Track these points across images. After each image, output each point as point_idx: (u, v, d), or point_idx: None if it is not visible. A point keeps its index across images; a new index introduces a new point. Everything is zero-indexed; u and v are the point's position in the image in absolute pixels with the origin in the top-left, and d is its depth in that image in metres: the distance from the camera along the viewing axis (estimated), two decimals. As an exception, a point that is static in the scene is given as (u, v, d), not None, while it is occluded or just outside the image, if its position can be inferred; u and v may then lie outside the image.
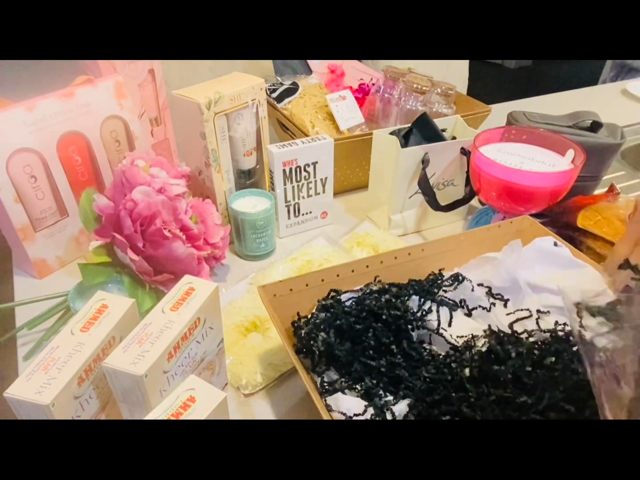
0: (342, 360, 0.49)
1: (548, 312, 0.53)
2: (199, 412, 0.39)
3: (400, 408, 0.45)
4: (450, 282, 0.57)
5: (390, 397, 0.46)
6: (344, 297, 0.54)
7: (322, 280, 0.54)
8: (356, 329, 0.50)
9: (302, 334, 0.51)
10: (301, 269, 0.72)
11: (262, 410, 0.55)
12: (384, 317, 0.51)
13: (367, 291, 0.55)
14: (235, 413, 0.55)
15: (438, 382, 0.46)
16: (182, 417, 0.38)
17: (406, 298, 0.54)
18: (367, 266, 0.56)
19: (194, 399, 0.40)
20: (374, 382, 0.48)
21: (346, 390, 0.47)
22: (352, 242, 0.78)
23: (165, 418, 0.38)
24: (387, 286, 0.56)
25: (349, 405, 0.45)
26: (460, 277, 0.57)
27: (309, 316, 0.53)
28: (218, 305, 0.50)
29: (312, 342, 0.49)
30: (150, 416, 0.38)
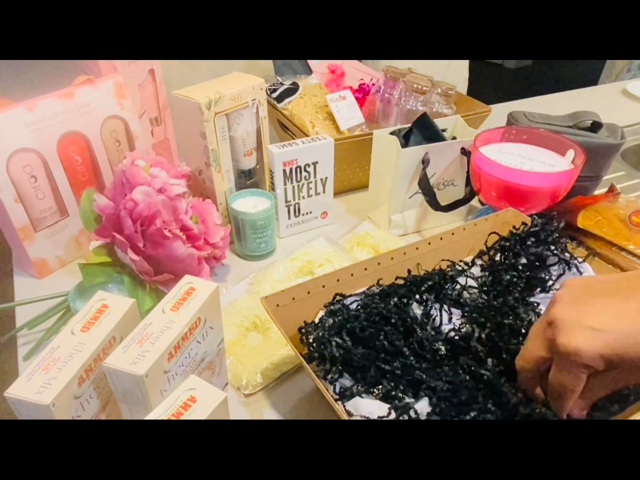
0: (356, 364, 0.48)
1: None
2: (199, 412, 0.39)
3: (422, 406, 0.44)
4: (450, 281, 0.57)
5: (411, 399, 0.45)
6: (347, 301, 0.54)
7: (323, 286, 0.54)
8: (369, 332, 0.49)
9: (312, 340, 0.50)
10: (301, 269, 0.72)
11: (262, 410, 0.55)
12: (392, 320, 0.50)
13: (370, 294, 0.55)
14: (235, 413, 0.55)
15: (460, 383, 0.46)
16: (182, 417, 0.38)
17: (410, 301, 0.54)
18: (366, 269, 0.56)
19: (195, 399, 0.40)
20: (392, 384, 0.47)
21: (363, 394, 0.46)
22: (352, 242, 0.78)
23: (166, 418, 0.38)
24: (387, 288, 0.56)
25: (370, 408, 0.44)
26: (458, 276, 0.57)
27: (317, 322, 0.52)
28: (218, 305, 0.50)
29: (322, 347, 0.48)
30: (151, 416, 0.38)
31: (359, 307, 0.53)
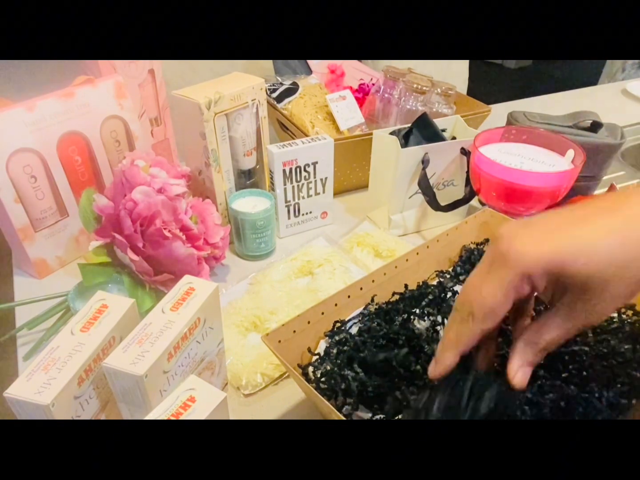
0: (372, 395, 0.46)
1: None
2: (199, 412, 0.39)
3: None
4: (451, 292, 0.57)
5: None
6: (347, 325, 0.53)
7: (322, 313, 0.53)
8: (381, 359, 0.48)
9: (320, 375, 0.48)
10: (301, 269, 0.72)
11: (262, 410, 0.55)
12: (400, 342, 0.49)
13: (368, 314, 0.54)
14: (235, 413, 0.55)
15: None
16: (182, 417, 0.38)
17: (413, 318, 0.53)
18: (361, 288, 0.55)
19: (194, 399, 0.40)
20: None
21: None
22: (352, 242, 0.78)
23: (165, 418, 0.38)
24: (384, 305, 0.55)
25: None
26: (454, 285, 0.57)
27: (322, 354, 0.51)
28: (218, 305, 0.50)
29: (333, 382, 0.47)
30: (150, 416, 0.38)
31: (361, 330, 0.52)
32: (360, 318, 0.54)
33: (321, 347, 0.53)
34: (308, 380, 0.49)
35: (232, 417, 0.45)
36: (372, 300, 0.56)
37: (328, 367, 0.49)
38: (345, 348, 0.50)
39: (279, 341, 0.49)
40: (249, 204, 0.75)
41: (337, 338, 0.52)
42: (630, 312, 0.52)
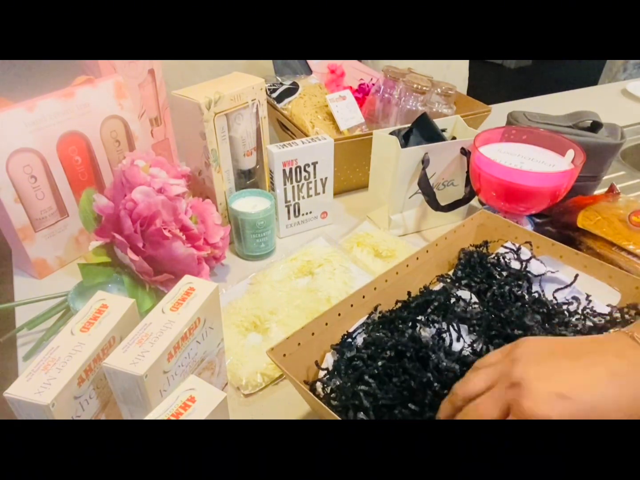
0: (384, 409, 0.45)
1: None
2: (199, 412, 0.39)
3: None
4: (455, 298, 0.56)
5: None
6: (353, 336, 0.53)
7: (326, 323, 0.52)
8: (392, 372, 0.47)
9: (330, 391, 0.48)
10: (301, 269, 0.72)
11: (262, 410, 0.55)
12: (408, 354, 0.48)
13: (371, 323, 0.54)
14: (235, 413, 0.55)
15: None
16: (182, 417, 0.38)
17: (417, 324, 0.53)
18: (364, 296, 0.55)
19: (194, 399, 0.40)
20: None
21: None
22: (352, 242, 0.78)
23: (165, 418, 0.38)
24: (389, 314, 0.55)
25: None
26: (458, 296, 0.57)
27: (329, 368, 0.50)
28: (218, 305, 0.50)
29: (344, 398, 0.46)
30: (150, 416, 0.38)
31: (367, 343, 0.51)
32: (364, 328, 0.54)
33: (327, 360, 0.52)
34: (316, 396, 0.49)
35: (232, 417, 0.45)
36: (376, 309, 0.56)
37: (337, 383, 0.48)
38: (356, 363, 0.49)
39: (284, 355, 0.48)
40: (249, 204, 0.75)
41: (346, 355, 0.51)
42: (633, 312, 0.52)
